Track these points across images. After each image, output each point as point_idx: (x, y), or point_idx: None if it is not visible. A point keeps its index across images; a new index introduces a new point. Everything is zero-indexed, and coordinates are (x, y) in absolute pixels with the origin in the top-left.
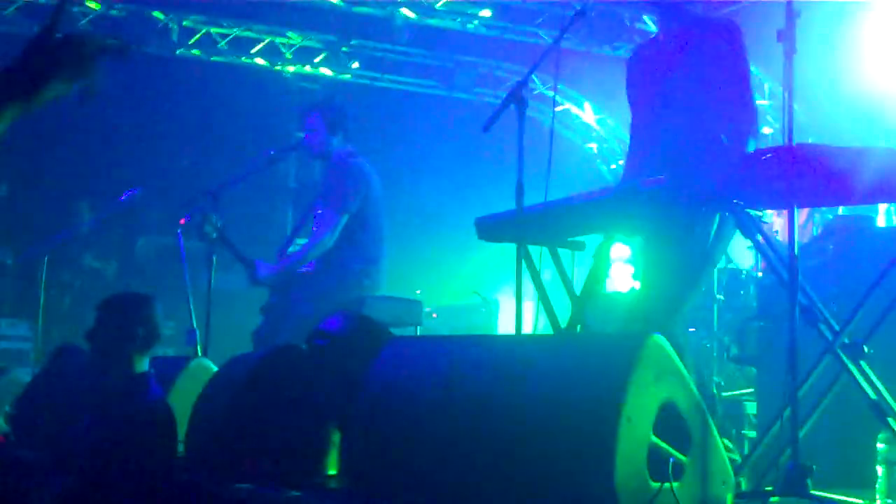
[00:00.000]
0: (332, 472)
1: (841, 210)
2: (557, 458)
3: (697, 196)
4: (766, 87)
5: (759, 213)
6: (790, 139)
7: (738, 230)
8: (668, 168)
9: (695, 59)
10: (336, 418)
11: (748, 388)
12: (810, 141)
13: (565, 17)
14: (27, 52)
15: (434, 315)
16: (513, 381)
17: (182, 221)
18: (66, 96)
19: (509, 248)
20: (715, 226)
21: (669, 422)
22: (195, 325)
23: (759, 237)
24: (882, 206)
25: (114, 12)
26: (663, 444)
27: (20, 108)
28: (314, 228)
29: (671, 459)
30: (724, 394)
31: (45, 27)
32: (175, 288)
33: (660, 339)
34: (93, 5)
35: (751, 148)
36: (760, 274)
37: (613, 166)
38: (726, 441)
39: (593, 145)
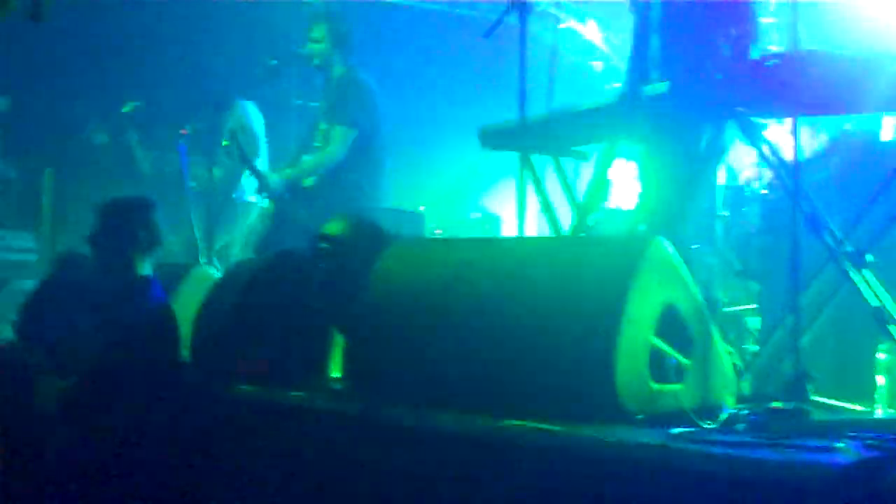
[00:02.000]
0: (336, 374)
1: (848, 126)
2: (559, 358)
3: (699, 102)
4: (772, 2)
5: (763, 122)
6: (795, 45)
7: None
8: (668, 76)
9: None
10: (339, 321)
11: (751, 304)
12: None
13: None
14: None
15: (438, 231)
16: (514, 281)
17: (183, 132)
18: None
19: (513, 163)
20: (715, 132)
21: (672, 324)
22: (197, 235)
23: (763, 146)
24: (888, 120)
25: None
26: (665, 346)
27: None
28: (322, 144)
29: (672, 361)
30: (726, 309)
31: None
32: (177, 202)
33: (663, 241)
34: None
35: (754, 55)
36: (765, 191)
37: (617, 85)
38: (728, 347)
39: (598, 63)
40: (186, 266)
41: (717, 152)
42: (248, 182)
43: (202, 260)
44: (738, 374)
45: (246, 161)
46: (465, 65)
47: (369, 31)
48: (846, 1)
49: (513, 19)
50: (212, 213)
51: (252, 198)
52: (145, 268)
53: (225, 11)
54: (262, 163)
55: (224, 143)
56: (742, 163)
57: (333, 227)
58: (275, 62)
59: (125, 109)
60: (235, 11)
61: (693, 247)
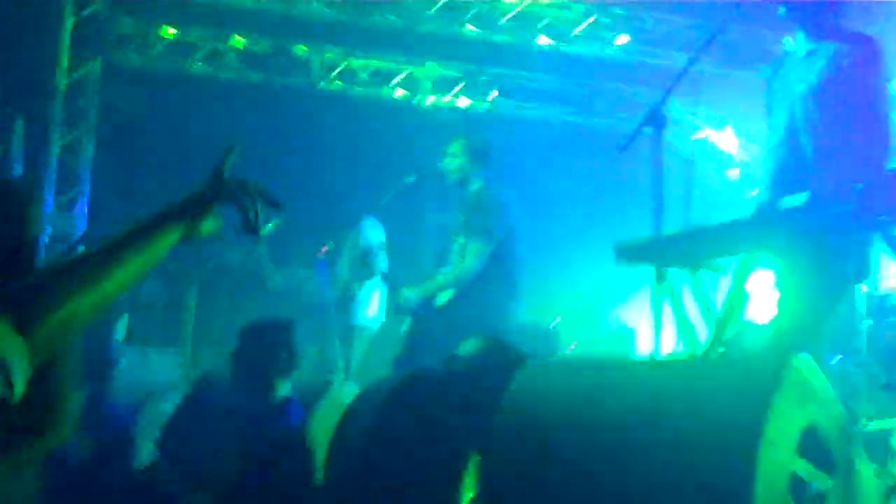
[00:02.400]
0: (471, 494)
1: None
2: (697, 483)
3: (839, 216)
4: None
5: None
6: None
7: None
8: (807, 187)
9: (833, 75)
10: (474, 442)
11: None
12: None
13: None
14: (204, 188)
15: (573, 345)
16: (650, 403)
17: (324, 250)
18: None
19: (647, 274)
20: (859, 246)
21: (813, 446)
22: (336, 356)
23: None
24: None
25: (256, 48)
26: (806, 471)
27: (180, 235)
28: (458, 259)
29: (814, 486)
30: (872, 425)
31: (213, 173)
32: (315, 321)
33: (804, 359)
34: (237, 42)
35: (893, 165)
36: None
37: (755, 192)
38: (873, 466)
39: (734, 171)
40: (325, 383)
41: (862, 271)
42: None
43: (340, 377)
44: (886, 496)
45: (384, 276)
46: (601, 177)
47: (506, 145)
48: None
49: (648, 130)
50: (349, 330)
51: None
52: (285, 388)
53: (364, 129)
54: (375, 278)
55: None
56: (885, 271)
57: (468, 347)
58: (412, 178)
59: (265, 231)
60: (373, 128)
61: (835, 359)
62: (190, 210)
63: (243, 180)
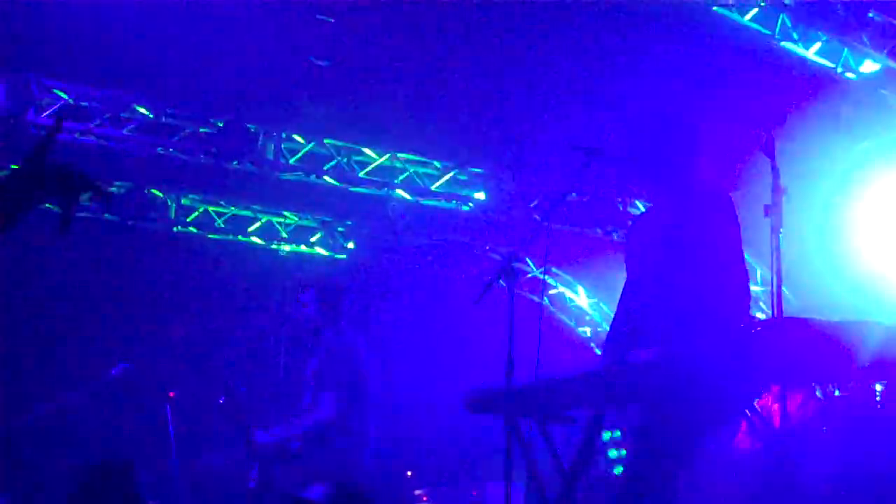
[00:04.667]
0: None
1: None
2: None
3: (687, 371)
4: (758, 272)
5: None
6: (780, 311)
7: None
8: (657, 342)
9: (687, 231)
10: None
11: None
12: None
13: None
14: (13, 175)
15: (425, 498)
16: None
17: (171, 395)
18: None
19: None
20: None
21: None
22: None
23: (752, 414)
24: (878, 387)
25: (113, 189)
26: None
27: None
28: (311, 406)
29: None
30: None
31: (31, 156)
32: (161, 466)
33: None
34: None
35: (741, 323)
36: None
37: (604, 331)
38: None
39: (586, 328)
40: None
41: (710, 422)
42: None
43: None
44: None
45: (241, 420)
46: (455, 326)
47: (363, 293)
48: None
49: (502, 283)
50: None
51: None
52: None
53: (219, 273)
54: None
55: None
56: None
57: (315, 492)
58: (267, 327)
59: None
60: (230, 277)
61: None
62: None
63: (68, 170)
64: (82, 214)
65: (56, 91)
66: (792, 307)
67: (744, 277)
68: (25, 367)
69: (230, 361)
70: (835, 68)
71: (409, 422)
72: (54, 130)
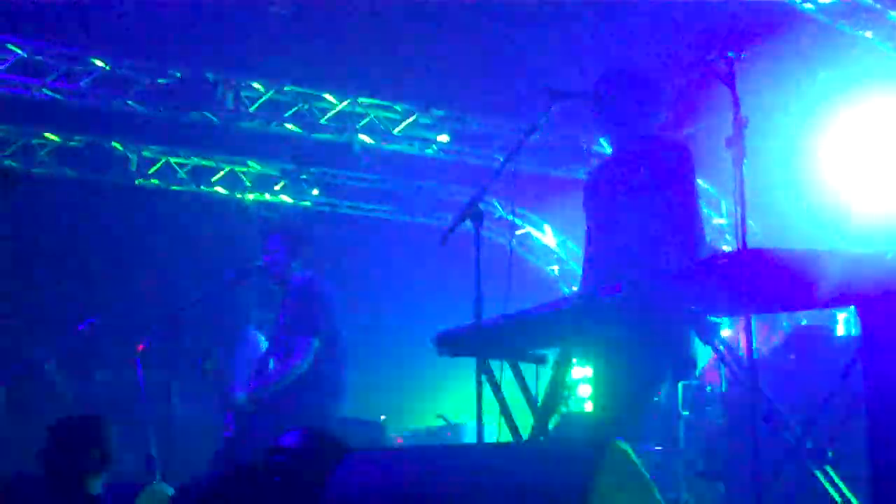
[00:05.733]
0: None
1: (804, 321)
2: None
3: (652, 303)
4: (722, 205)
5: (718, 321)
6: (744, 243)
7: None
8: (621, 277)
9: (645, 176)
10: None
11: None
12: None
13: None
14: None
15: (399, 440)
16: (472, 491)
17: (140, 348)
18: None
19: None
20: (678, 339)
21: None
22: (154, 453)
23: (719, 344)
24: (841, 316)
25: (72, 143)
26: None
27: None
28: (283, 355)
29: None
30: None
31: None
32: (134, 419)
33: (623, 445)
34: (52, 137)
35: (704, 255)
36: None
37: (575, 288)
38: None
39: (555, 267)
40: (140, 484)
41: (685, 366)
42: None
43: (157, 478)
44: None
45: (219, 378)
46: (422, 273)
47: (328, 242)
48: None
49: (468, 224)
50: (170, 430)
51: None
52: (97, 487)
53: (183, 226)
54: None
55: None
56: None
57: (288, 439)
58: (232, 275)
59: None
60: (195, 229)
61: (656, 448)
62: None
63: None
64: (40, 171)
65: (10, 46)
66: (757, 239)
67: (698, 218)
68: None
69: (198, 314)
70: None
71: (381, 367)
72: None
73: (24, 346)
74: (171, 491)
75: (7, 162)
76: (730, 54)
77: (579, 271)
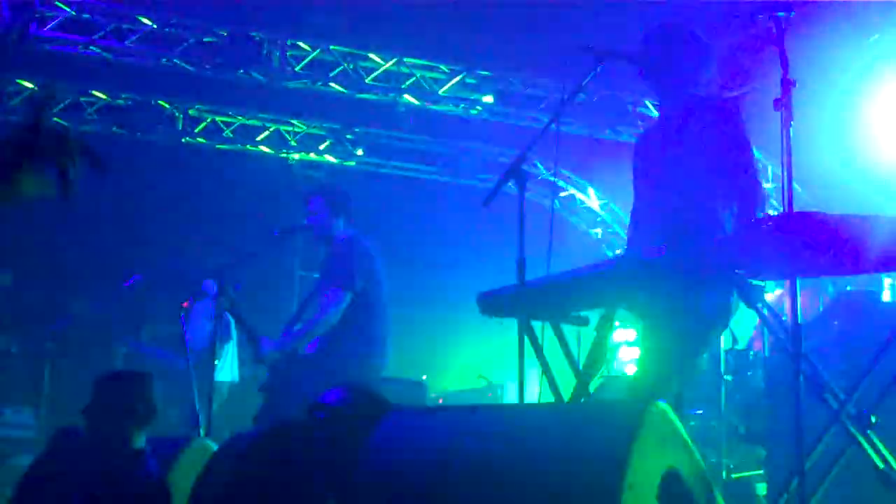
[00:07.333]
0: None
1: (848, 287)
2: None
3: (697, 266)
4: (769, 169)
5: (762, 284)
6: (790, 206)
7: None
8: (666, 239)
9: (693, 137)
10: (335, 491)
11: (758, 469)
12: None
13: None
14: (5, 143)
15: (440, 401)
16: (513, 450)
17: (185, 304)
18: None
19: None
20: (720, 296)
21: (674, 490)
22: (198, 408)
23: (763, 308)
24: (887, 281)
25: (120, 101)
26: None
27: None
28: (319, 306)
29: None
30: (734, 475)
31: (28, 122)
32: (179, 375)
33: (663, 406)
34: (100, 95)
35: (751, 218)
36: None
37: (618, 251)
38: None
39: (598, 230)
40: (185, 438)
41: (721, 317)
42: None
43: (201, 433)
44: None
45: (243, 323)
46: (466, 233)
47: (372, 202)
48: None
49: (512, 187)
50: (212, 388)
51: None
52: (141, 441)
53: (229, 184)
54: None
55: (226, 306)
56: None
57: (330, 396)
58: (276, 233)
59: (127, 285)
60: (240, 188)
61: (697, 412)
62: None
63: (63, 134)
64: (88, 128)
65: (58, 3)
66: (802, 202)
67: (753, 177)
68: (41, 280)
69: (244, 271)
70: None
71: (423, 327)
72: (47, 98)
73: (72, 302)
74: (214, 447)
75: (56, 119)
76: (779, 14)
77: (623, 234)
